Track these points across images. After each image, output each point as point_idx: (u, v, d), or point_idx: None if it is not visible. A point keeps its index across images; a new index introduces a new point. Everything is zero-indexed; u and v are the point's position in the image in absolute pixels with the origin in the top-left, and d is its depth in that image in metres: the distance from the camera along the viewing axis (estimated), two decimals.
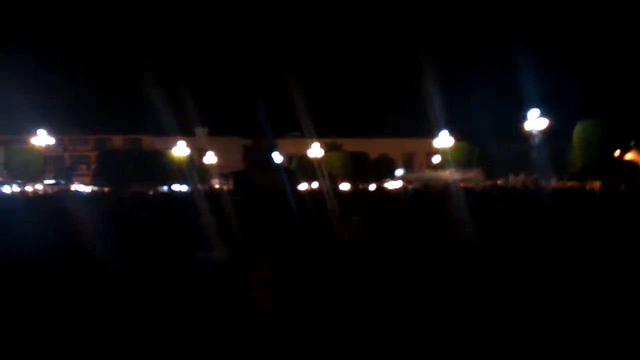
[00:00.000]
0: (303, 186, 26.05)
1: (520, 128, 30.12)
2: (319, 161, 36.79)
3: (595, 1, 64.33)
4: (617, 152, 25.08)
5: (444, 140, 36.58)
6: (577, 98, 39.29)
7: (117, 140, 50.12)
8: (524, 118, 29.73)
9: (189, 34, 73.16)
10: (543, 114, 29.18)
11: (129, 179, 29.34)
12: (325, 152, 40.61)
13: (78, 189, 27.78)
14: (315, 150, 39.01)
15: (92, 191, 25.83)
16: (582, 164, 27.27)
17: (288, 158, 40.73)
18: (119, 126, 49.09)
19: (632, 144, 24.81)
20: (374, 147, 45.84)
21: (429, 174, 35.65)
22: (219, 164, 42.71)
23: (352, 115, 53.41)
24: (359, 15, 79.84)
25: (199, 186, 23.77)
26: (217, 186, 31.41)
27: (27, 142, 35.45)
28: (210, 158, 43.16)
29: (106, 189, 24.42)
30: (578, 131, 29.62)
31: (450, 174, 32.02)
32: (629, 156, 24.16)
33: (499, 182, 31.83)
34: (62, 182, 35.95)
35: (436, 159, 41.83)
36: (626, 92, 34.85)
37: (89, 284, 3.85)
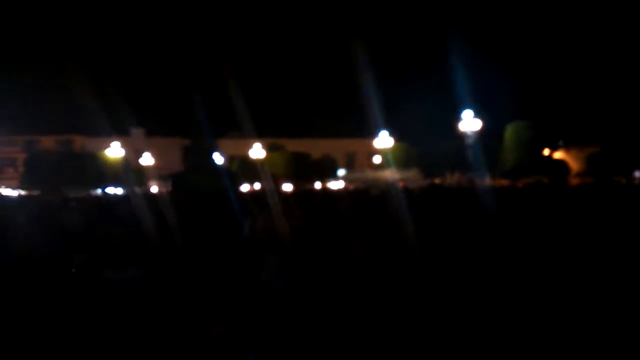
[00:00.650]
0: (245, 187, 25.73)
1: (456, 129, 31.22)
2: (260, 162, 36.54)
3: (526, 5, 67.62)
4: (547, 152, 26.42)
5: (383, 140, 37.37)
6: (509, 100, 41.17)
7: (48, 142, 47.60)
8: (459, 119, 30.85)
9: (125, 30, 70.78)
10: (476, 115, 30.38)
11: (61, 183, 27.94)
12: (267, 152, 40.37)
13: (4, 193, 26.20)
14: (257, 151, 38.70)
15: (20, 195, 24.40)
16: (514, 163, 28.55)
17: (229, 159, 40.18)
18: (49, 127, 46.69)
19: (560, 144, 26.20)
20: (315, 148, 46.05)
21: (370, 174, 36.29)
22: (157, 166, 41.49)
23: (294, 116, 53.41)
24: (299, 15, 80.00)
25: (136, 189, 22.96)
26: (155, 189, 30.49)
27: None
28: (147, 159, 41.85)
29: (35, 193, 23.14)
30: (509, 132, 31.01)
31: (390, 174, 32.74)
32: (557, 155, 25.55)
33: (437, 180, 32.79)
34: None
35: (377, 159, 42.59)
36: (554, 94, 36.85)
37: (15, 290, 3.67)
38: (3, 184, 35.84)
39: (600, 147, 24.01)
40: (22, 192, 27.62)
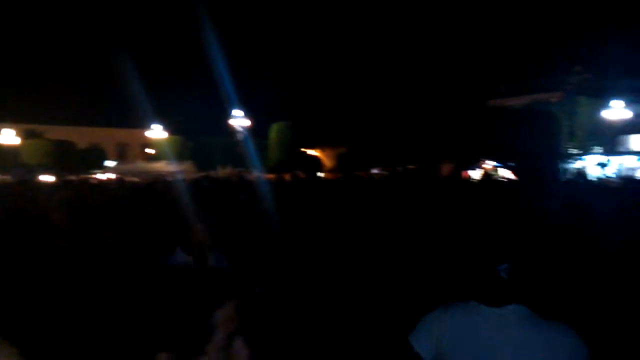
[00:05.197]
0: None
1: (227, 125, 33.15)
2: (14, 150, 32.95)
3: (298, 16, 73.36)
4: (304, 149, 29.73)
5: (157, 133, 37.19)
6: (273, 103, 45.98)
7: None
8: (230, 116, 32.92)
9: None
10: (246, 115, 32.95)
11: None
12: (22, 139, 36.41)
13: None
14: (8, 137, 34.66)
15: None
16: (278, 159, 31.43)
17: None
18: None
19: (315, 144, 29.77)
20: (82, 136, 43.13)
21: (142, 165, 35.62)
22: None
23: (56, 101, 48.67)
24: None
25: None
26: None
27: None
28: None
29: None
30: (274, 131, 34.07)
31: (163, 166, 32.79)
32: (313, 153, 29.02)
33: (210, 173, 33.95)
34: None
35: (151, 151, 41.96)
36: (311, 101, 42.05)
37: None
38: None
39: (347, 148, 28.17)
40: None
